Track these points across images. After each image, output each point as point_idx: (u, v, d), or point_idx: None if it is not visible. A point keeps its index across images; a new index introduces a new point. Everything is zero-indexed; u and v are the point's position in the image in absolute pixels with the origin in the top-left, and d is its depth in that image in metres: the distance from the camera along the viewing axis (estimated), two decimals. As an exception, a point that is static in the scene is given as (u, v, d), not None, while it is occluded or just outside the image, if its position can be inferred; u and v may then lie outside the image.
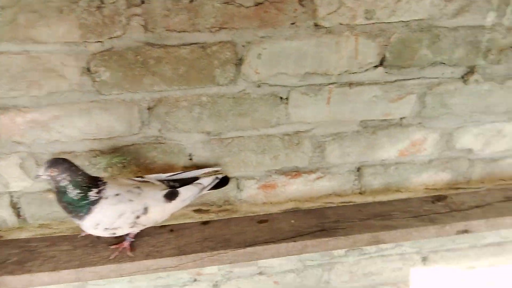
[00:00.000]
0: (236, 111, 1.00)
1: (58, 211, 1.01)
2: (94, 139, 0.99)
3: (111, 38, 0.86)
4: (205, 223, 1.10)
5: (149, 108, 0.96)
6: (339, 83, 1.00)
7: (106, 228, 0.91)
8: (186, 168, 1.07)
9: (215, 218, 1.13)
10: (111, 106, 0.95)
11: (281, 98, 1.00)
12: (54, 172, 0.84)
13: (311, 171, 1.13)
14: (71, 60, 0.88)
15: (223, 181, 1.07)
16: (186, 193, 0.99)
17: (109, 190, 0.90)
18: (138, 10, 0.84)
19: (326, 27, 0.92)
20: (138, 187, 0.94)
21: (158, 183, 1.00)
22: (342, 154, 1.12)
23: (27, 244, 1.03)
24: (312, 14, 0.89)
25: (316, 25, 0.91)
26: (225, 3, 0.85)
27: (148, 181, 0.99)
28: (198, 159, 1.06)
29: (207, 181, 1.03)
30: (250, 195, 1.15)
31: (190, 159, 1.06)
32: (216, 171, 1.08)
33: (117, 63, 0.89)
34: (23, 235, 1.09)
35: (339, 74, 0.99)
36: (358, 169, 1.16)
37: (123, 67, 0.90)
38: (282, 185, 1.15)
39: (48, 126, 0.96)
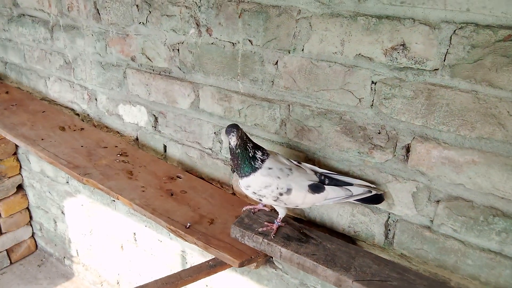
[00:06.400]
0: None
1: (427, 250, 1.01)
2: (503, 198, 0.91)
3: None
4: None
5: None
6: None
7: (254, 192, 1.05)
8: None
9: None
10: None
11: None
12: (239, 133, 0.98)
13: None
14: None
15: (376, 199, 1.06)
16: (331, 193, 1.04)
17: (267, 163, 1.02)
18: None
19: None
20: (290, 169, 1.04)
21: (311, 173, 1.07)
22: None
23: (406, 273, 1.00)
24: None
25: None
26: None
27: (303, 168, 1.07)
28: None
29: (357, 190, 1.04)
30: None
31: None
32: (373, 187, 1.08)
33: None
34: (382, 255, 1.08)
35: None
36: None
37: None
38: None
39: (460, 168, 0.92)
